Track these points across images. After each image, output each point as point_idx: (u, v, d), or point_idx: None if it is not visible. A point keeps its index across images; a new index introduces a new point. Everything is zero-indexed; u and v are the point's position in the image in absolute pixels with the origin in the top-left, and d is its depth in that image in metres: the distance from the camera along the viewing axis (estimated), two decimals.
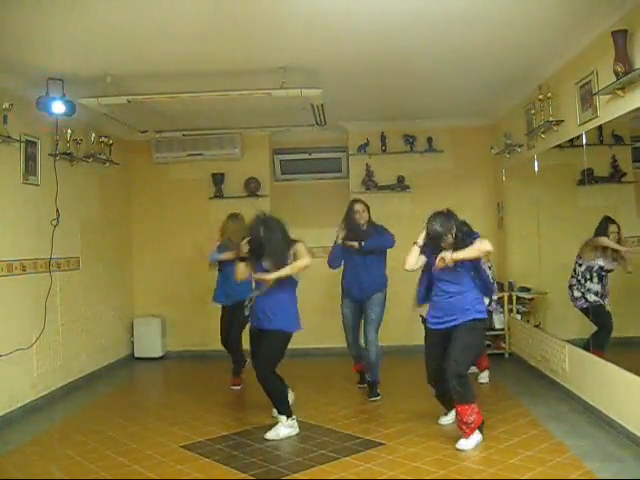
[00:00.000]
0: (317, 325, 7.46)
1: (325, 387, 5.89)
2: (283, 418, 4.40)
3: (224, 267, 5.91)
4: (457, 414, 4.11)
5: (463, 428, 4.02)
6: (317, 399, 5.41)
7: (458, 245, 4.07)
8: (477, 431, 4.04)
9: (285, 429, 4.38)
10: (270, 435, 4.35)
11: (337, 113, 6.73)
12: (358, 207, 5.43)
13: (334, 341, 7.40)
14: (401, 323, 6.57)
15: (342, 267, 5.56)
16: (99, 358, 6.69)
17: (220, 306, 6.18)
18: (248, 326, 4.72)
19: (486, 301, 4.73)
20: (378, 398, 5.34)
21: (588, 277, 5.18)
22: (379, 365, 5.40)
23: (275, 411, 4.53)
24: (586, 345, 4.90)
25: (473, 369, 5.99)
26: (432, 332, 4.28)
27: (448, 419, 4.51)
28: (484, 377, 5.88)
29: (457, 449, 3.97)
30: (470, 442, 3.99)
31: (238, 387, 5.99)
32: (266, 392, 4.43)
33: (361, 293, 5.39)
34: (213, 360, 7.20)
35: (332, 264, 5.52)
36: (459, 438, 4.08)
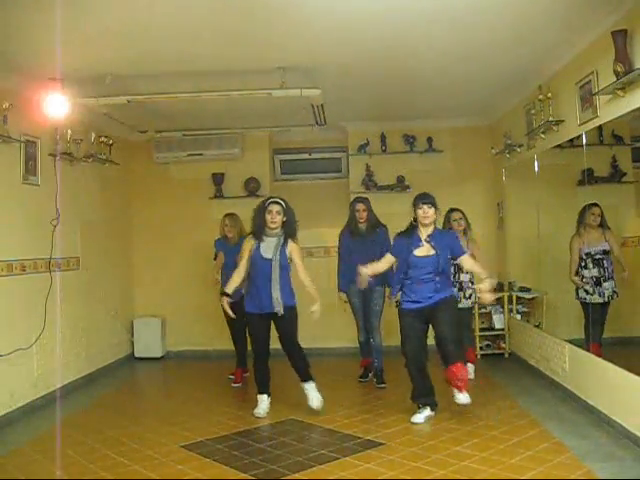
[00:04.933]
0: (317, 325, 7.45)
1: (325, 387, 5.88)
2: (312, 383, 4.97)
3: (227, 265, 5.92)
4: (450, 373, 4.48)
5: (458, 384, 4.48)
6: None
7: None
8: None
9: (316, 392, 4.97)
10: (317, 403, 4.90)
11: (337, 113, 6.74)
12: (358, 207, 5.87)
13: (335, 341, 7.42)
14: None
15: (341, 258, 5.99)
16: (99, 358, 6.69)
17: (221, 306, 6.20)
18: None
19: None
20: (385, 386, 5.64)
21: None
22: (383, 351, 5.83)
23: (262, 407, 4.93)
24: None
25: None
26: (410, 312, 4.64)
27: (421, 417, 4.60)
28: (470, 373, 5.90)
29: (458, 404, 4.53)
30: (467, 395, 4.52)
31: (239, 384, 6.01)
32: (295, 358, 4.95)
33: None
34: (213, 360, 7.21)
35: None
36: (458, 437, 4.16)
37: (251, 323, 4.99)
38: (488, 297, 4.59)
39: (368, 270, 4.75)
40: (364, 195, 6.75)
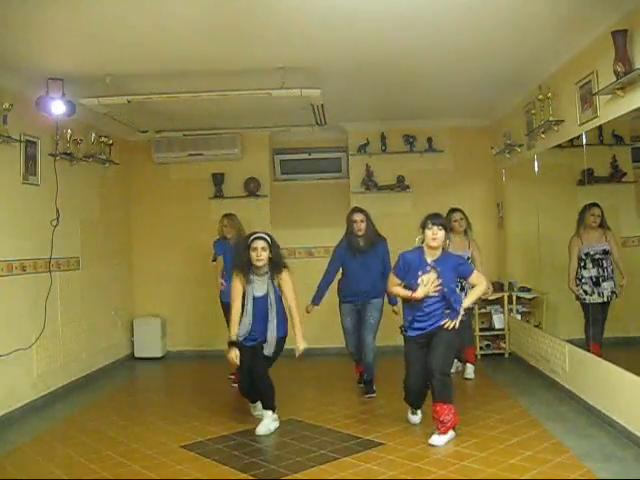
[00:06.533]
0: (317, 325, 7.46)
1: (325, 387, 5.90)
2: (270, 412, 4.56)
3: (227, 266, 5.91)
4: (434, 412, 4.20)
5: (438, 426, 4.15)
6: (317, 399, 5.43)
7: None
8: (451, 430, 4.17)
9: (274, 422, 4.56)
10: (263, 431, 4.46)
11: (337, 113, 6.73)
12: (356, 217, 5.46)
13: (334, 341, 7.40)
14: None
15: (340, 273, 5.67)
16: (99, 358, 6.69)
17: (220, 305, 6.19)
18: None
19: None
20: (374, 395, 5.44)
21: None
22: (375, 365, 5.52)
23: (259, 408, 4.69)
24: None
25: (457, 364, 6.07)
26: (415, 339, 4.35)
27: (417, 417, 4.59)
28: (470, 373, 5.96)
29: (430, 444, 4.07)
30: (443, 438, 4.11)
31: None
32: (260, 390, 4.59)
33: (360, 297, 5.47)
34: (213, 360, 7.20)
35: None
36: (459, 437, 4.16)
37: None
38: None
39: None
40: (365, 194, 6.77)
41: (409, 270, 4.30)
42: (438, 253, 4.26)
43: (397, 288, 4.39)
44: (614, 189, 5.42)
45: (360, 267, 5.44)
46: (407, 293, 4.29)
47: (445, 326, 4.22)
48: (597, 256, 5.24)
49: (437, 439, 4.10)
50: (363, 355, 5.51)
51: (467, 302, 4.41)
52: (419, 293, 4.22)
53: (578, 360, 4.95)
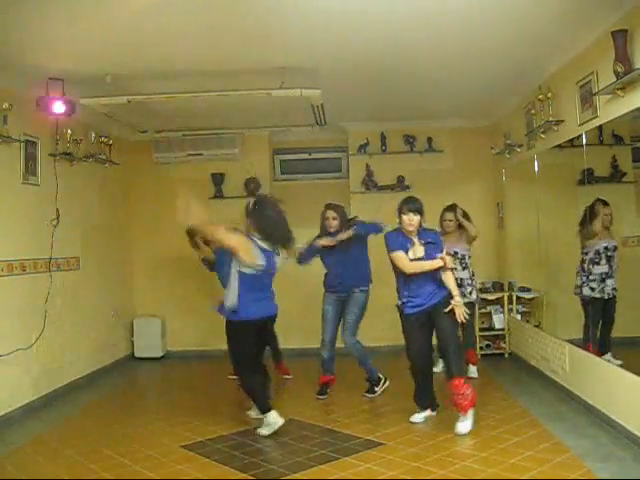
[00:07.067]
0: (316, 325, 7.46)
1: None
2: (270, 413, 4.49)
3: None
4: (453, 388, 4.24)
5: (461, 402, 4.20)
6: (317, 399, 5.42)
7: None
8: (471, 410, 4.22)
9: (279, 420, 4.45)
10: (264, 431, 4.43)
11: (337, 113, 6.73)
12: (328, 214, 5.41)
13: None
14: (398, 323, 6.56)
15: (323, 266, 5.61)
16: (99, 358, 6.69)
17: None
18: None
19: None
20: (373, 397, 5.40)
21: None
22: (368, 361, 5.41)
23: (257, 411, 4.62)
24: None
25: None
26: (412, 316, 4.44)
27: (420, 417, 4.60)
28: (473, 371, 5.98)
29: (457, 434, 4.17)
30: (467, 423, 4.20)
31: (290, 376, 6.07)
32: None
33: (342, 288, 5.38)
34: (213, 360, 7.20)
35: (301, 260, 5.43)
36: (459, 437, 4.16)
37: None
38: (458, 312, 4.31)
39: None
40: (365, 194, 6.72)
41: (403, 247, 4.40)
42: (414, 233, 4.43)
43: (418, 263, 4.35)
44: (614, 189, 5.42)
45: (339, 263, 5.33)
46: (433, 263, 4.29)
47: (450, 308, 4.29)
48: (609, 253, 5.22)
49: (462, 426, 4.19)
50: (353, 354, 5.40)
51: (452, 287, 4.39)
52: (448, 261, 4.28)
53: (578, 360, 4.95)
